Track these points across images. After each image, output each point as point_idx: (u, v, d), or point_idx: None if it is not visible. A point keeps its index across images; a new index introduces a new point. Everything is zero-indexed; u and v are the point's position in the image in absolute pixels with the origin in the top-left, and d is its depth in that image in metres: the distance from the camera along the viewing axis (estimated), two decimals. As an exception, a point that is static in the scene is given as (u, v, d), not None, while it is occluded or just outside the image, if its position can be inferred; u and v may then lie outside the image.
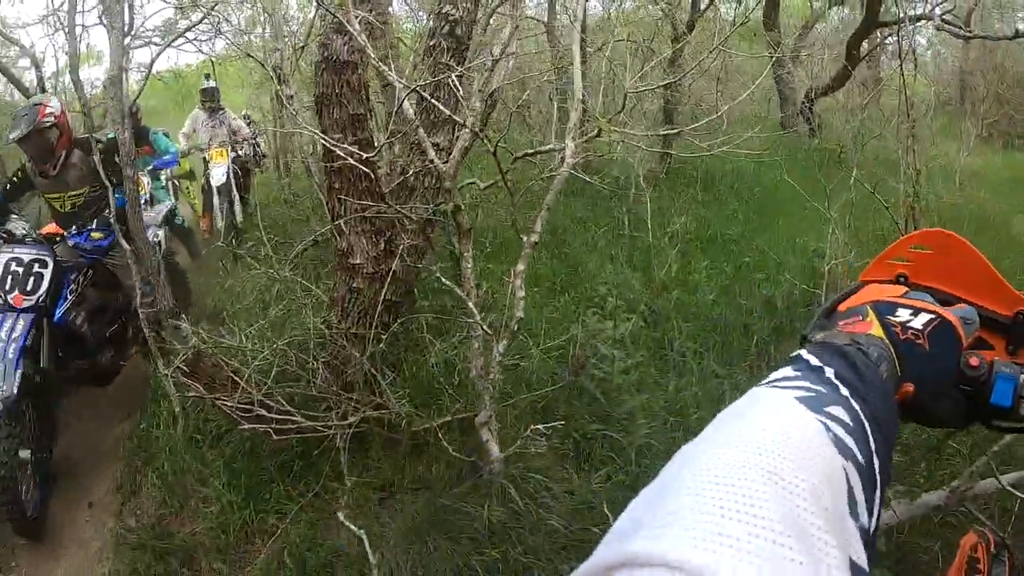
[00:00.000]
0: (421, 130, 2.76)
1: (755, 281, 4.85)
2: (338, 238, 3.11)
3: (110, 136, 5.71)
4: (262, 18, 7.15)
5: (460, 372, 3.28)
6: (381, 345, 2.85)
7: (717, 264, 5.02)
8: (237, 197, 6.92)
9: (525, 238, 2.74)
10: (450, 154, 2.79)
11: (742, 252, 5.29)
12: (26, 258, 3.82)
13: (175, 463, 3.50)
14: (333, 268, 3.29)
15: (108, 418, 4.49)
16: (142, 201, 4.60)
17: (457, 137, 2.84)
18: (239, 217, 6.79)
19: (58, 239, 4.13)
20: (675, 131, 3.80)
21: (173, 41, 5.45)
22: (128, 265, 3.87)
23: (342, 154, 2.62)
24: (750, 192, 6.68)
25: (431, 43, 3.36)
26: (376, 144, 2.60)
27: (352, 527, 2.78)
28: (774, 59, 9.06)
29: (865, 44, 9.74)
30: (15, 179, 4.35)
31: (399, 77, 2.79)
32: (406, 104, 2.76)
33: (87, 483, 3.98)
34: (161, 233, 5.05)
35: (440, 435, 2.93)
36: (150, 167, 5.97)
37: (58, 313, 3.91)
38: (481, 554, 2.90)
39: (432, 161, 2.67)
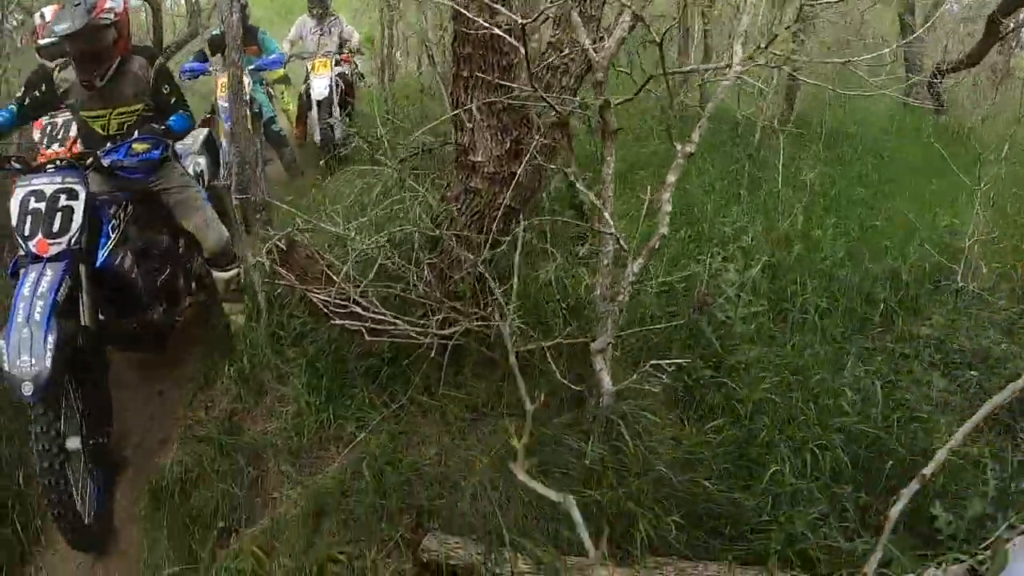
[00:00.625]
0: (574, 12, 2.40)
1: (882, 248, 4.39)
2: (459, 132, 2.79)
3: (215, 33, 5.61)
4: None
5: (576, 293, 2.97)
6: (497, 250, 2.54)
7: (843, 224, 4.55)
8: (338, 112, 6.53)
9: (680, 147, 2.38)
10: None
11: (869, 216, 4.79)
12: (48, 189, 2.94)
13: (254, 357, 3.30)
14: (448, 166, 2.97)
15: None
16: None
17: (613, 24, 2.48)
18: (338, 134, 6.21)
19: (88, 164, 3.12)
20: (830, 62, 3.28)
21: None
22: (186, 196, 3.46)
23: (486, 28, 2.28)
24: (876, 157, 6.11)
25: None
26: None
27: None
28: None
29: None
30: (37, 90, 3.30)
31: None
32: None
33: (158, 373, 3.86)
34: (202, 161, 4.24)
35: (548, 357, 2.63)
36: (252, 66, 5.76)
37: (100, 256, 3.08)
38: (578, 493, 2.63)
39: (583, 47, 2.31)
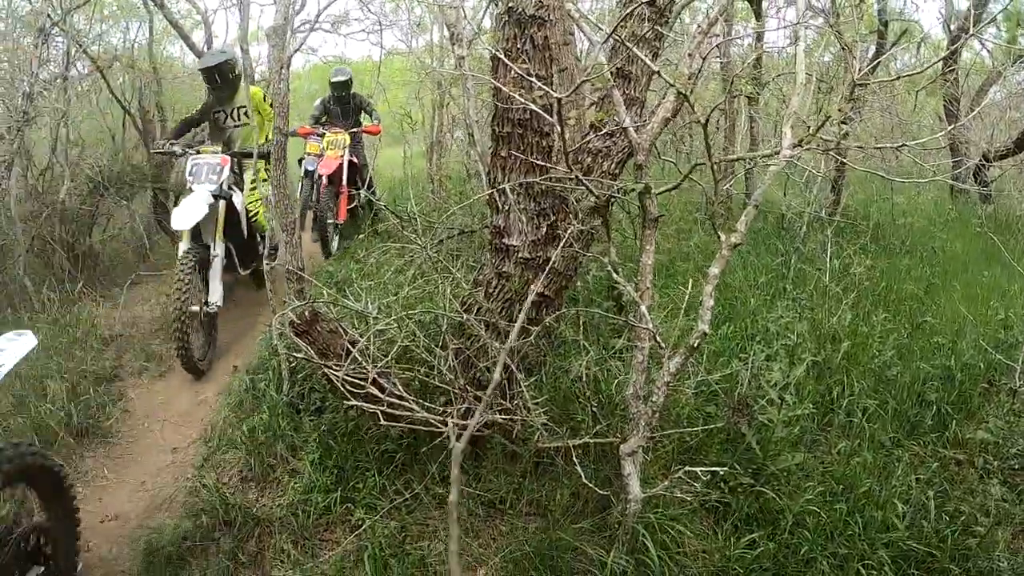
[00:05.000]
0: (616, 91, 2.32)
1: (934, 346, 4.15)
2: (494, 214, 2.70)
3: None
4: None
5: (608, 389, 2.80)
6: (527, 339, 2.40)
7: (893, 320, 4.33)
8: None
9: (724, 238, 2.24)
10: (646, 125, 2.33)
11: (919, 311, 4.57)
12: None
13: (271, 425, 3.18)
14: (481, 248, 2.86)
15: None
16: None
17: (657, 106, 2.38)
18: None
19: None
20: (882, 148, 3.15)
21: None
22: None
23: (523, 103, 2.20)
24: (925, 248, 5.91)
25: (627, 11, 2.92)
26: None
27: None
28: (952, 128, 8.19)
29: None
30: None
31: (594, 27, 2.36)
32: (601, 56, 2.32)
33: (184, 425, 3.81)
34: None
35: (573, 457, 2.45)
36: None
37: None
38: (596, 608, 2.42)
39: (625, 130, 2.22)
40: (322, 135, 6.83)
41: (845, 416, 3.42)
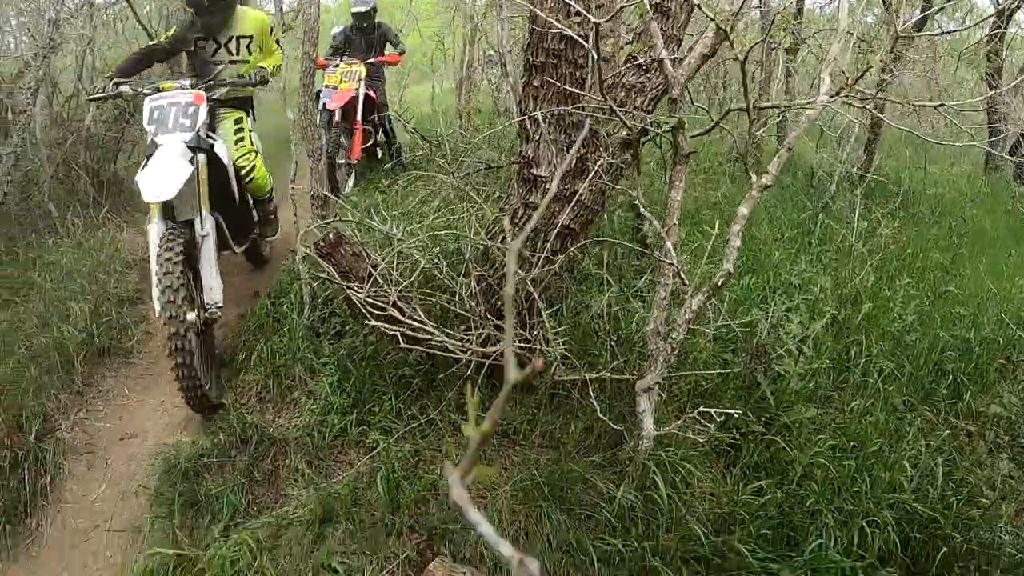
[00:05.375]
0: (654, 23, 2.26)
1: (955, 316, 4.11)
2: (524, 144, 2.67)
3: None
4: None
5: (628, 328, 2.79)
6: (549, 268, 2.39)
7: (916, 286, 4.28)
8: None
9: (755, 178, 2.21)
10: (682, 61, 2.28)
11: (944, 280, 4.51)
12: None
13: (290, 348, 3.22)
14: (507, 183, 2.84)
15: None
16: None
17: (695, 42, 2.33)
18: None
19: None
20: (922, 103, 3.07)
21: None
22: None
23: (561, 28, 2.16)
24: (955, 220, 5.81)
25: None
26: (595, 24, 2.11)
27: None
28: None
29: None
30: None
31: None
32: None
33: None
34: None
35: (589, 391, 2.46)
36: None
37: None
38: (601, 538, 2.45)
39: (660, 63, 2.17)
40: (337, 66, 6.28)
41: (861, 376, 3.41)
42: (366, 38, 6.74)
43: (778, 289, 3.62)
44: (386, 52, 6.88)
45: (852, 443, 2.94)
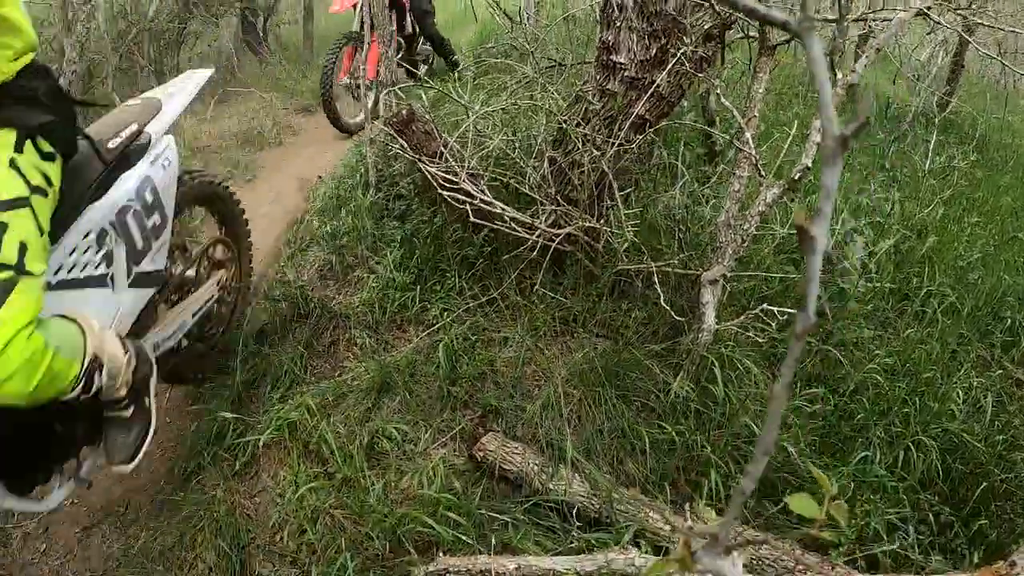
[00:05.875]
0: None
1: (1021, 264, 4.01)
2: (604, 29, 2.62)
3: None
4: None
5: (695, 226, 2.78)
6: (624, 152, 2.38)
7: (984, 227, 4.17)
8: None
9: (840, 75, 2.15)
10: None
11: (1012, 226, 4.38)
12: None
13: (354, 226, 3.27)
14: (575, 81, 2.79)
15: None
16: None
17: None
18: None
19: None
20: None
21: None
22: None
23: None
24: (1029, 171, 5.61)
25: None
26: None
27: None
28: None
29: None
30: None
31: None
32: None
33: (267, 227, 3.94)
34: None
35: (655, 281, 2.47)
36: None
37: None
38: (654, 426, 2.50)
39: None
40: None
41: (920, 305, 3.36)
42: None
43: (846, 208, 3.54)
44: None
45: (906, 367, 2.92)
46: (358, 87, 4.68)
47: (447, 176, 2.52)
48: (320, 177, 4.14)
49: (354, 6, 4.91)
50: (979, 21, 3.21)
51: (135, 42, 6.26)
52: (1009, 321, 3.53)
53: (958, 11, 2.39)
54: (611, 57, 2.59)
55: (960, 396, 2.84)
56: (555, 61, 3.23)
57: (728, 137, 2.38)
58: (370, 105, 4.25)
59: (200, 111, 5.53)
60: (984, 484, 2.52)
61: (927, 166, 4.06)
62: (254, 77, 6.35)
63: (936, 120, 4.46)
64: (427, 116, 2.77)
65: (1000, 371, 3.20)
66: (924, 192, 4.05)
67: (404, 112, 2.73)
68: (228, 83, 6.07)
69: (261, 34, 7.20)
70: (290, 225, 3.78)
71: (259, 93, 5.85)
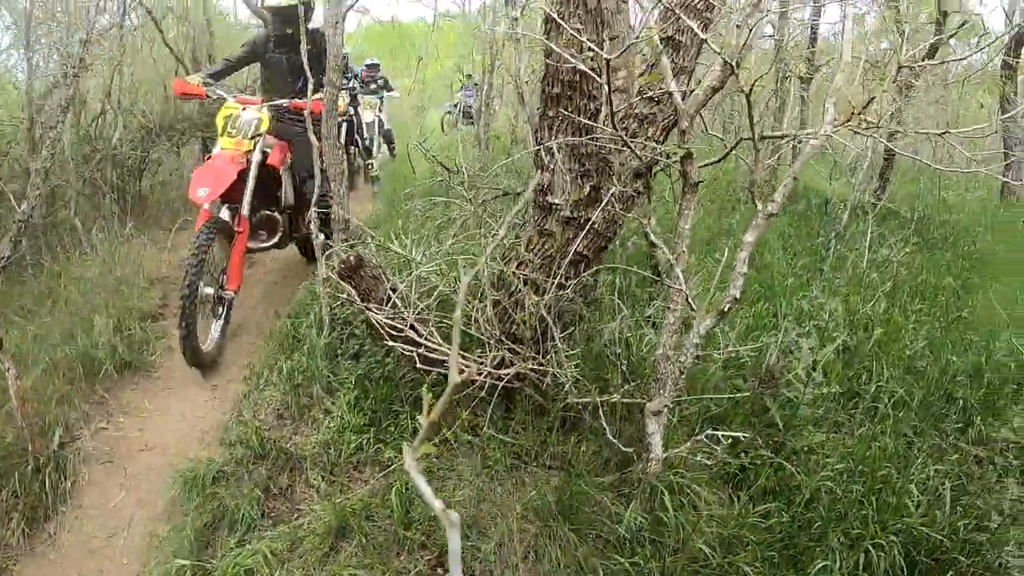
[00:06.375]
0: (664, 57, 2.35)
1: (966, 343, 4.13)
2: (540, 172, 2.75)
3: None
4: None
5: (639, 353, 2.86)
6: (563, 293, 2.47)
7: (928, 312, 4.31)
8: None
9: (761, 206, 2.27)
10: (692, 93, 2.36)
11: (956, 306, 4.54)
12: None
13: (309, 367, 3.31)
14: (526, 207, 2.92)
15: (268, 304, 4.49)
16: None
17: (704, 75, 2.41)
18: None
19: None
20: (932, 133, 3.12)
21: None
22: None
23: (573, 63, 2.25)
24: (967, 248, 5.84)
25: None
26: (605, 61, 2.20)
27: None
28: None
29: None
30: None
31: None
32: (650, 20, 2.35)
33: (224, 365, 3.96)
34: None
35: (600, 414, 2.52)
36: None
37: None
38: (609, 558, 2.50)
39: (670, 95, 2.25)
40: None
41: (871, 402, 3.43)
42: (289, 59, 4.60)
43: (789, 315, 3.66)
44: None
45: (860, 468, 2.96)
46: (219, 300, 3.96)
47: (394, 324, 2.58)
48: (277, 312, 4.20)
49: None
50: (897, 128, 3.40)
51: (98, 167, 6.37)
52: (961, 402, 3.61)
53: (868, 129, 2.54)
54: (547, 198, 2.72)
55: (918, 489, 2.87)
56: (502, 190, 3.37)
57: (667, 255, 2.48)
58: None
59: (160, 239, 5.60)
60: (950, 573, 2.53)
61: (864, 262, 4.23)
62: (214, 205, 6.50)
63: (871, 215, 4.65)
64: (374, 261, 2.86)
65: (957, 455, 3.25)
66: (866, 287, 4.20)
67: (352, 259, 2.82)
68: (189, 212, 6.17)
69: (221, 162, 7.47)
70: (247, 364, 3.81)
71: (219, 222, 5.97)
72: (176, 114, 6.95)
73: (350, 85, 6.24)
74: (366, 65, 9.87)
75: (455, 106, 11.78)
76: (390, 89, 9.99)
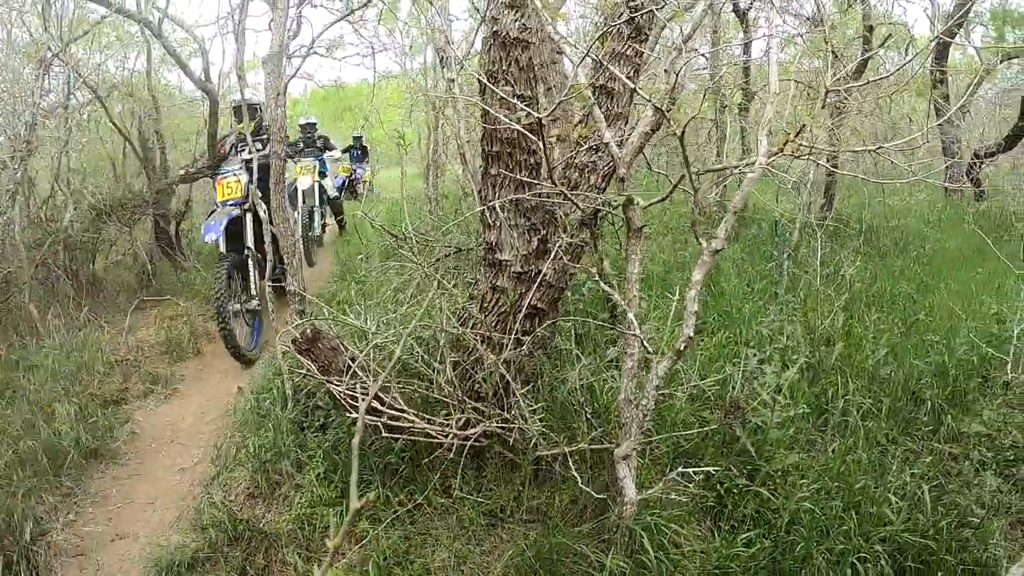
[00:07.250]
0: (596, 109, 2.41)
1: (927, 344, 4.21)
2: (487, 230, 2.78)
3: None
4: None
5: (602, 397, 2.87)
6: (520, 349, 2.48)
7: (886, 320, 4.40)
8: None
9: (705, 244, 2.32)
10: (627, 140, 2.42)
11: (912, 310, 4.64)
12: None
13: (276, 443, 3.26)
14: (476, 264, 2.95)
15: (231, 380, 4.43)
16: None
17: (637, 122, 2.47)
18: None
19: None
20: (870, 148, 3.21)
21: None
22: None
23: (508, 123, 2.29)
24: (918, 250, 5.99)
25: (607, 29, 3.02)
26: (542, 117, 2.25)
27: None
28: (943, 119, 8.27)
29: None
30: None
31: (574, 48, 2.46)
32: (580, 74, 2.41)
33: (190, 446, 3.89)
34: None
35: (570, 464, 2.52)
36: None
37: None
38: (595, 609, 2.48)
39: (607, 144, 2.30)
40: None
41: (840, 416, 3.47)
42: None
43: (750, 341, 3.71)
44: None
45: (836, 484, 2.98)
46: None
47: (355, 395, 2.57)
48: (240, 388, 4.15)
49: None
50: (831, 149, 3.49)
51: (51, 250, 6.28)
52: (929, 403, 3.66)
53: (799, 155, 2.61)
54: (496, 256, 2.74)
55: (896, 495, 2.89)
56: (454, 247, 3.39)
57: (619, 301, 2.51)
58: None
59: (118, 321, 5.52)
60: (940, 573, 2.55)
61: (818, 279, 4.31)
62: (170, 284, 6.43)
63: (819, 232, 4.76)
64: (331, 332, 2.85)
65: (931, 456, 3.28)
66: (823, 304, 4.27)
67: (308, 332, 2.80)
68: (143, 292, 6.10)
69: (174, 239, 7.31)
70: (213, 444, 3.75)
71: (175, 301, 5.93)
72: (126, 193, 6.89)
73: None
74: (300, 124, 8.77)
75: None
76: (331, 148, 8.83)
